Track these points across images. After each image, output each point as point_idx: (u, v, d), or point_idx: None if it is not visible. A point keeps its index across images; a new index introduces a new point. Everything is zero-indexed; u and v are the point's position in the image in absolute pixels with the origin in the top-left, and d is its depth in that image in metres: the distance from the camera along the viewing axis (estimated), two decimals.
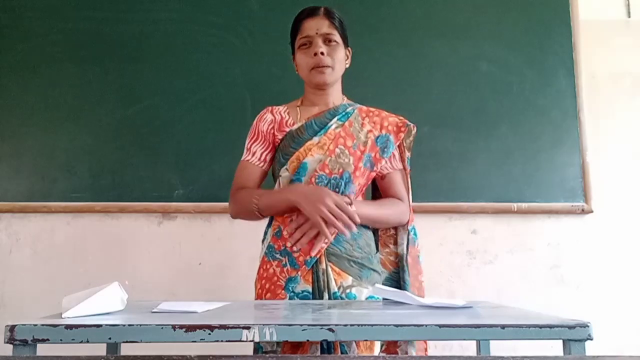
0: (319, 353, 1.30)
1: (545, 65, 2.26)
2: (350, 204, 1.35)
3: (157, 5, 2.26)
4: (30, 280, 2.13)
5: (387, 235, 1.53)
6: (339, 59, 1.47)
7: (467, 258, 2.18)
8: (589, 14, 2.29)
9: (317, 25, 1.45)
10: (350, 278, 1.37)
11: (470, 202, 2.17)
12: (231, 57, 2.23)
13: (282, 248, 1.39)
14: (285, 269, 1.37)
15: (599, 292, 2.15)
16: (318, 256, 1.36)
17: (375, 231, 1.52)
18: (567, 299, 2.14)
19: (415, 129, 1.54)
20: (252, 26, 2.25)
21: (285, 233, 1.40)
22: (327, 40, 1.45)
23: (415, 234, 1.53)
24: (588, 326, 0.89)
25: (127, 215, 2.16)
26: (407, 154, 1.53)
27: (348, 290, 1.36)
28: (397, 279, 1.48)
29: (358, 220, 1.33)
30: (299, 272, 1.36)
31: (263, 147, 1.51)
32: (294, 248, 1.38)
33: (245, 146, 1.54)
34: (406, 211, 1.50)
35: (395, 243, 1.52)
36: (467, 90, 2.24)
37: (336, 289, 1.36)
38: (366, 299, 1.38)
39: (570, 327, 0.88)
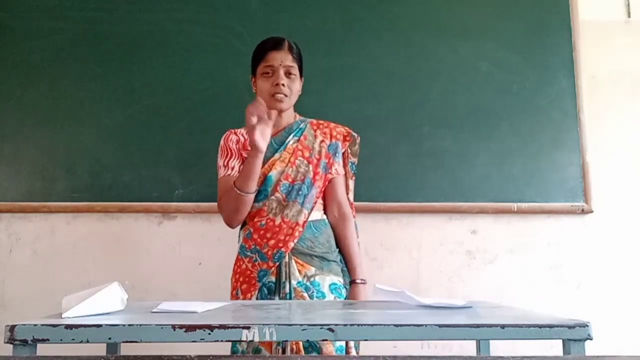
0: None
1: (545, 65, 2.26)
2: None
3: (157, 5, 2.26)
4: (30, 280, 2.13)
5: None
6: (295, 91, 1.66)
7: (467, 258, 2.18)
8: (589, 14, 2.29)
9: (282, 58, 1.62)
10: (314, 268, 1.57)
11: (470, 202, 2.17)
12: (231, 57, 2.23)
13: (253, 247, 1.58)
14: (256, 264, 1.57)
15: (599, 292, 2.15)
16: (286, 251, 1.55)
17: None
18: (567, 299, 2.14)
19: (359, 138, 1.74)
20: (252, 26, 2.25)
21: (255, 235, 1.58)
22: (288, 73, 1.63)
23: (356, 228, 1.72)
24: (588, 326, 0.89)
25: (127, 215, 2.16)
26: (353, 160, 1.75)
27: (312, 279, 1.55)
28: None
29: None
30: (268, 264, 1.55)
31: (238, 162, 1.65)
32: (262, 245, 1.56)
33: (221, 164, 1.66)
34: (351, 217, 1.70)
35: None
36: (467, 90, 2.24)
37: (300, 278, 1.54)
38: (329, 285, 1.57)
39: (570, 327, 0.88)
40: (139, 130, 2.20)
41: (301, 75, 1.69)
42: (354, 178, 1.76)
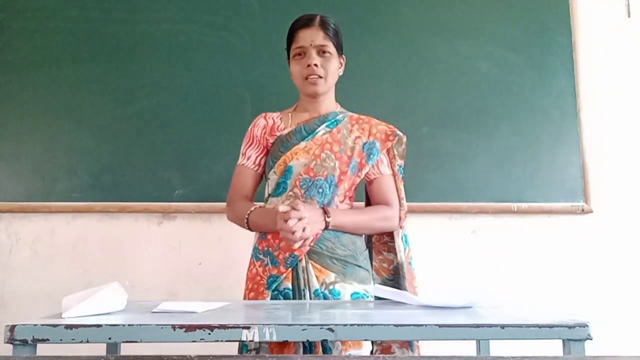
0: (301, 351, 1.31)
1: (545, 65, 2.26)
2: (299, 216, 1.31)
3: (157, 5, 2.26)
4: (30, 280, 2.13)
5: (380, 242, 1.56)
6: (332, 70, 1.51)
7: (467, 258, 2.18)
8: (589, 14, 2.29)
9: (312, 37, 1.48)
10: (333, 275, 1.40)
11: (470, 202, 2.17)
12: (231, 57, 2.23)
13: (265, 249, 1.45)
14: (267, 268, 1.42)
15: (599, 292, 2.15)
16: (300, 256, 1.40)
17: (369, 236, 1.56)
18: (567, 299, 2.14)
19: (405, 138, 1.56)
20: (252, 26, 2.25)
21: (269, 236, 1.45)
22: (321, 52, 1.49)
23: (406, 241, 1.54)
24: (587, 326, 0.89)
25: (127, 215, 2.16)
26: (400, 162, 1.56)
27: (331, 287, 1.39)
28: (392, 287, 1.48)
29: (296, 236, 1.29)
30: (279, 270, 1.40)
31: (257, 151, 1.56)
32: (274, 246, 1.42)
33: (241, 151, 1.59)
34: (393, 216, 1.50)
35: (389, 250, 1.54)
36: (467, 90, 2.24)
37: (318, 286, 1.38)
38: (350, 295, 1.40)
39: (570, 327, 0.88)
40: (139, 130, 2.20)
41: (340, 53, 1.55)
42: (402, 183, 1.56)
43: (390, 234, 1.54)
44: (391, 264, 1.52)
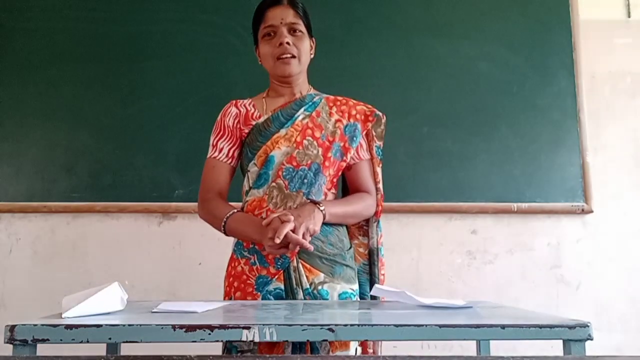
0: (290, 350, 1.29)
1: (545, 65, 2.26)
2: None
3: (157, 5, 2.27)
4: (30, 280, 2.13)
5: (355, 227, 1.51)
6: (305, 50, 1.44)
7: (467, 258, 2.18)
8: (589, 14, 2.29)
9: (282, 15, 1.41)
10: (322, 275, 1.35)
11: (470, 202, 2.17)
12: (231, 57, 2.23)
13: (251, 246, 1.37)
14: (254, 267, 1.35)
15: (599, 292, 2.15)
16: (292, 257, 1.34)
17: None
18: (567, 299, 2.14)
19: (384, 117, 1.50)
20: None
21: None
22: (292, 30, 1.42)
23: (379, 227, 1.50)
24: (588, 326, 0.88)
25: (127, 215, 2.17)
26: (379, 143, 1.50)
27: (320, 287, 1.34)
28: (367, 272, 1.48)
29: (304, 242, 1.25)
30: (269, 270, 1.34)
31: (230, 143, 1.47)
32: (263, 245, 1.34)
33: (211, 142, 1.49)
34: (373, 204, 1.47)
35: (364, 234, 1.50)
36: (467, 90, 2.24)
37: (308, 286, 1.34)
38: (339, 295, 1.36)
39: (570, 327, 0.88)
40: (139, 130, 2.20)
41: (311, 35, 1.47)
42: (381, 165, 1.50)
43: (367, 219, 1.50)
44: (366, 248, 1.49)
